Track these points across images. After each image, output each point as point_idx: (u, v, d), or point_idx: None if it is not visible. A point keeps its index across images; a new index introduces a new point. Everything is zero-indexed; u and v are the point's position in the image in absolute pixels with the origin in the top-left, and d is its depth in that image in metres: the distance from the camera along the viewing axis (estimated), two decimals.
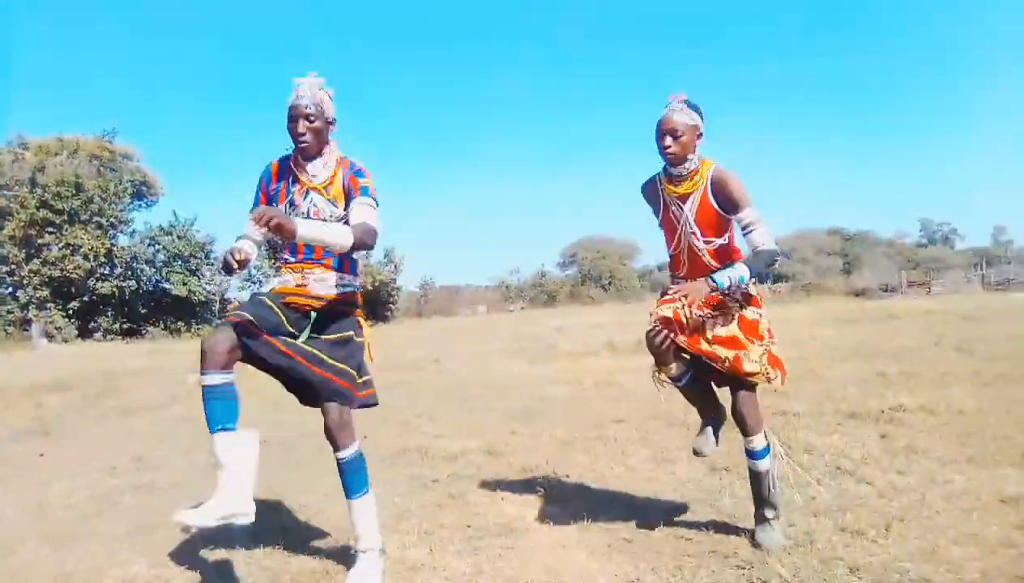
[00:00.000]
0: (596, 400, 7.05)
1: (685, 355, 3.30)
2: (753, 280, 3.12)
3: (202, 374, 2.72)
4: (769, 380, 3.18)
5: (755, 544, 3.17)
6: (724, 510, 3.62)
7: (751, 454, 3.27)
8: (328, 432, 2.97)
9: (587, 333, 15.48)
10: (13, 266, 24.04)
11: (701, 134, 3.13)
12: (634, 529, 3.47)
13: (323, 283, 3.00)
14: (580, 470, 4.59)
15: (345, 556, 3.22)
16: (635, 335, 13.23)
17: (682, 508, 3.74)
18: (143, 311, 26.63)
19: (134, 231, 27.88)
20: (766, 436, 3.29)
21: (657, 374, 3.43)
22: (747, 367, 3.12)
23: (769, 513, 3.23)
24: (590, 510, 3.67)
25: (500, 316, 33.00)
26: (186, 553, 3.42)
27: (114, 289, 25.31)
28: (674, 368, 3.31)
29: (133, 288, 26.18)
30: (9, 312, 23.66)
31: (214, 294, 26.88)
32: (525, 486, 4.29)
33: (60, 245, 24.33)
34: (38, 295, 23.93)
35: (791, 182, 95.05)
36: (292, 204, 3.03)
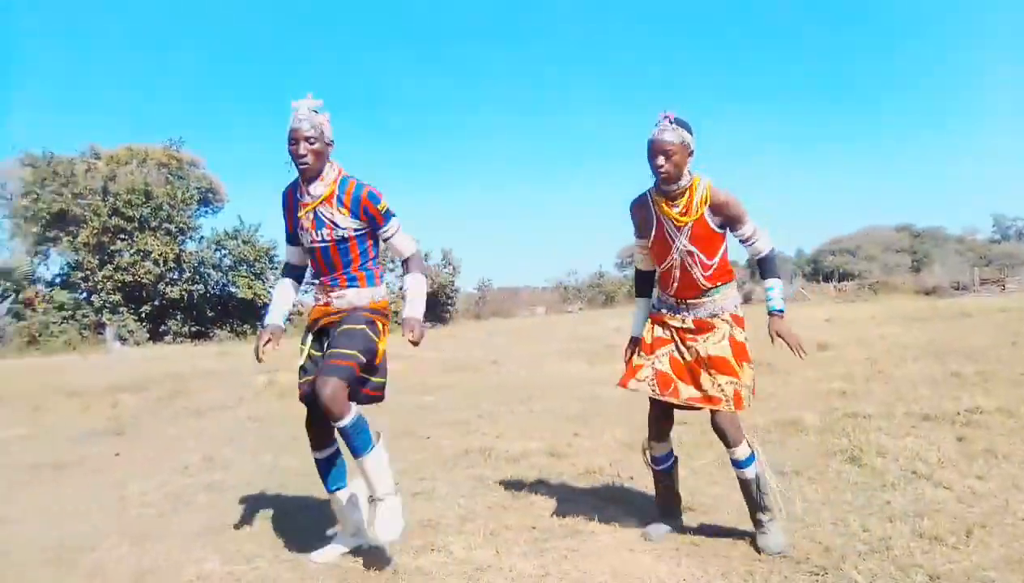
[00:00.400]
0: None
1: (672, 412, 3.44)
2: (738, 304, 3.33)
3: (314, 453, 3.39)
4: (749, 405, 3.24)
5: (757, 550, 3.16)
6: (794, 514, 3.53)
7: (736, 464, 3.25)
8: (324, 407, 3.03)
9: None
10: (87, 272, 24.93)
11: (692, 151, 3.13)
12: (701, 533, 3.41)
13: (343, 299, 3.27)
14: (643, 473, 4.50)
15: (419, 555, 3.26)
16: None
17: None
18: (210, 314, 27.34)
19: (201, 237, 28.66)
20: (749, 444, 3.25)
21: (648, 450, 3.54)
22: (744, 396, 3.19)
23: (764, 516, 3.20)
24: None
25: (558, 317, 32.91)
26: (258, 550, 3.49)
27: (183, 293, 26.05)
28: (661, 447, 3.47)
29: (201, 292, 26.91)
30: (84, 316, 24.54)
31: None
32: (589, 488, 4.27)
33: (131, 251, 25.14)
34: (111, 300, 24.77)
35: (858, 178, 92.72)
36: (302, 228, 3.27)
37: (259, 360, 3.27)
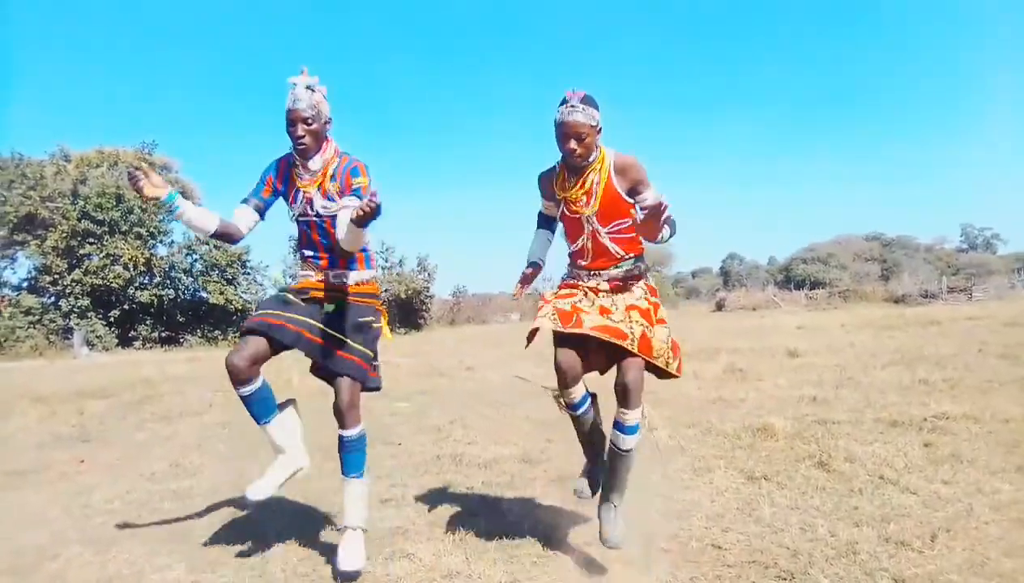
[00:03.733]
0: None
1: (588, 349, 3.10)
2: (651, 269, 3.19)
3: (235, 388, 3.14)
4: (667, 364, 3.13)
5: (603, 540, 3.06)
6: (763, 519, 3.55)
7: (623, 428, 3.04)
8: (337, 409, 3.15)
9: None
10: (56, 276, 24.57)
11: (600, 129, 3.01)
12: (672, 538, 3.42)
13: (340, 277, 3.23)
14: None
15: (383, 562, 3.23)
16: None
17: (720, 517, 3.67)
18: (181, 320, 27.04)
19: (172, 241, 28.36)
20: (644, 413, 3.13)
21: (559, 397, 3.30)
22: (655, 345, 3.05)
23: (616, 499, 3.12)
24: (627, 519, 3.62)
25: (532, 323, 32.86)
26: (223, 558, 3.44)
27: (153, 298, 25.76)
28: (576, 392, 3.16)
29: (171, 297, 26.62)
30: (52, 321, 24.16)
31: (250, 303, 27.13)
32: (560, 494, 4.26)
33: (101, 255, 24.83)
34: (79, 304, 24.42)
35: (828, 187, 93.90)
36: (295, 201, 3.22)
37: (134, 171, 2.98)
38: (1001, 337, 11.27)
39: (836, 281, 45.92)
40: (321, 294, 3.23)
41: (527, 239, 3.43)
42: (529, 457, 5.14)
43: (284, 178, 3.24)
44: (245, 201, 3.26)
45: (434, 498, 4.29)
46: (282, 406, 3.29)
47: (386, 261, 32.65)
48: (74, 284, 24.47)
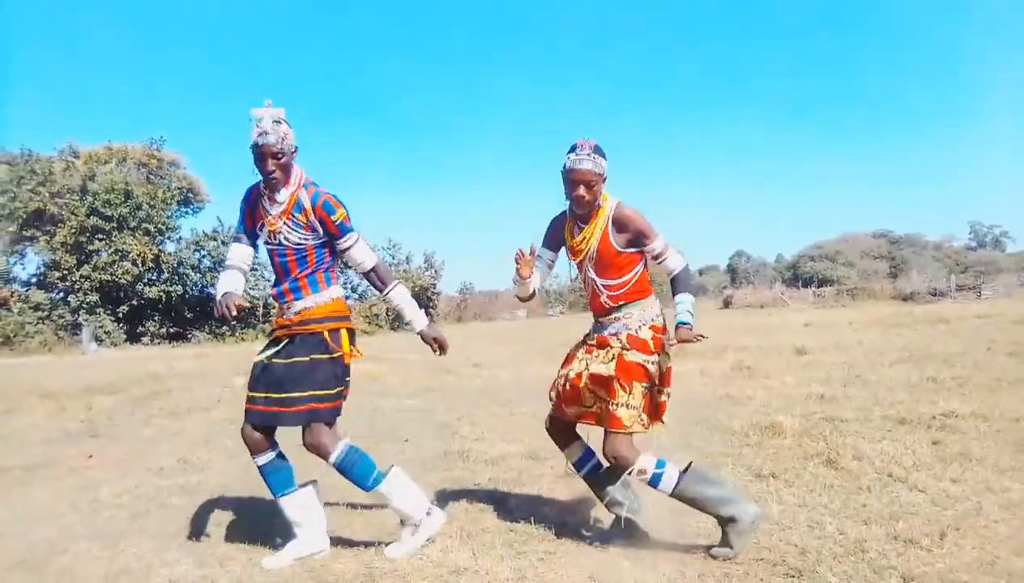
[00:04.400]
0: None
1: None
2: (649, 323, 3.23)
3: (253, 458, 3.29)
4: (644, 427, 3.16)
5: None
6: (771, 517, 3.54)
7: (652, 484, 3.19)
8: (310, 449, 3.24)
9: None
10: (64, 272, 24.67)
11: (606, 178, 3.16)
12: (680, 535, 3.41)
13: (291, 309, 3.26)
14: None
15: (390, 559, 3.23)
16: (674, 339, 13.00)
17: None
18: (189, 315, 27.13)
19: (180, 237, 28.45)
20: (635, 473, 3.15)
21: (567, 461, 3.51)
22: (622, 416, 3.10)
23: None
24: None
25: (539, 320, 32.96)
26: (231, 553, 3.45)
27: (161, 294, 25.84)
28: (573, 453, 3.44)
29: (179, 293, 26.70)
30: (60, 317, 24.27)
31: (258, 299, 27.18)
32: (567, 491, 4.25)
33: (109, 251, 24.91)
34: (88, 300, 24.53)
35: (838, 185, 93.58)
36: (261, 231, 3.29)
37: (231, 317, 3.19)
38: (1010, 335, 11.22)
39: (844, 279, 45.76)
40: (281, 331, 3.28)
41: (532, 237, 3.49)
42: (536, 454, 5.13)
43: (254, 208, 3.29)
44: (237, 239, 3.42)
45: (441, 494, 4.29)
46: (303, 485, 3.38)
47: (393, 258, 32.71)
48: (83, 280, 24.58)
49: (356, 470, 3.26)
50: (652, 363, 3.18)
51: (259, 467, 3.29)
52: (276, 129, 3.09)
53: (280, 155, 3.10)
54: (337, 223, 3.21)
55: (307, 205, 3.18)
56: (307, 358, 3.19)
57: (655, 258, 3.28)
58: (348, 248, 3.29)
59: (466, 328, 28.58)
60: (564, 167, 3.13)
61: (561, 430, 3.44)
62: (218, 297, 3.21)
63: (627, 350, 3.18)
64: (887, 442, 4.84)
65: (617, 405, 3.11)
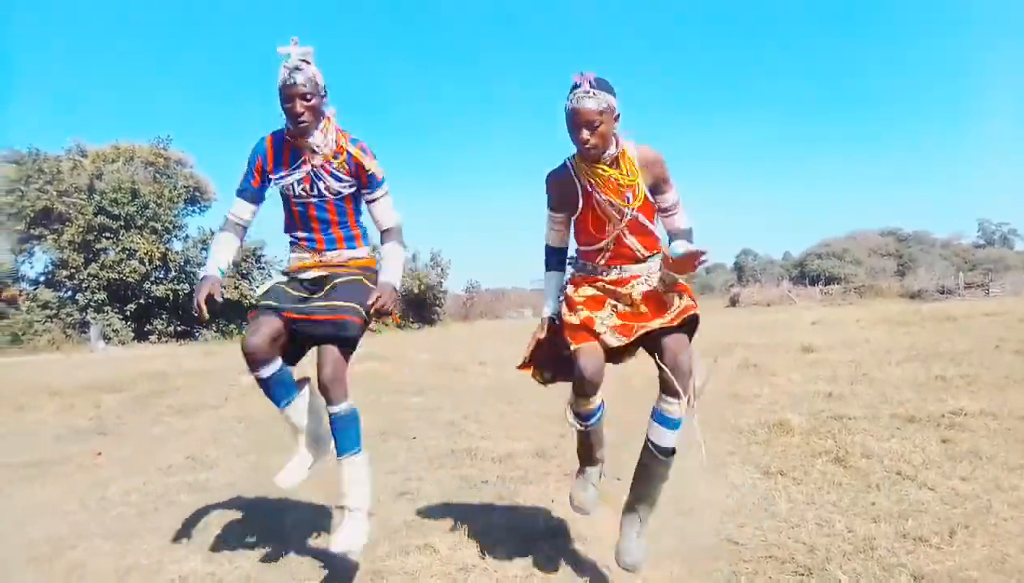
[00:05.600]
0: (645, 402, 6.92)
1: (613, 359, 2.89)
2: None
3: (254, 372, 2.95)
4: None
5: (619, 562, 2.82)
6: (779, 515, 3.54)
7: (666, 419, 2.80)
8: (321, 385, 2.93)
9: None
10: (72, 270, 24.77)
11: (619, 115, 2.68)
12: (688, 534, 3.41)
13: (338, 255, 3.11)
14: (631, 473, 4.50)
15: (399, 555, 3.23)
16: None
17: (736, 512, 3.66)
18: (196, 314, 27.17)
19: (187, 235, 28.50)
20: (691, 402, 2.79)
21: (575, 410, 2.95)
22: (691, 304, 2.77)
23: (644, 512, 2.86)
24: (651, 538, 3.61)
25: None
26: (240, 550, 3.47)
27: (168, 292, 25.92)
28: (595, 401, 2.89)
29: (186, 291, 26.74)
30: (68, 315, 24.37)
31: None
32: None
33: (117, 250, 25.01)
34: (96, 298, 24.62)
35: (846, 182, 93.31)
36: (298, 194, 3.04)
37: (201, 315, 3.00)
38: (1018, 333, 11.16)
39: (851, 277, 45.63)
40: (317, 271, 3.08)
41: (539, 235, 3.12)
42: (543, 452, 5.13)
43: (277, 159, 3.04)
44: (241, 193, 3.14)
45: (449, 491, 4.30)
46: (299, 384, 3.14)
47: None
48: (90, 278, 24.68)
49: (350, 431, 2.99)
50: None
51: (264, 380, 2.99)
52: (305, 68, 2.88)
53: (309, 97, 2.87)
54: (369, 173, 3.04)
55: (351, 149, 3.01)
56: (357, 277, 3.06)
57: (665, 210, 2.86)
58: (376, 200, 3.10)
59: (472, 326, 28.63)
60: (565, 109, 2.65)
61: (594, 370, 2.76)
62: (198, 281, 2.98)
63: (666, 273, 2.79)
64: (896, 440, 4.83)
65: (682, 296, 2.79)
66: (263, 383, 3.01)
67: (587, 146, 2.65)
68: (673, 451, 2.82)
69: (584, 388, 2.80)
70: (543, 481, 4.46)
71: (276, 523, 3.82)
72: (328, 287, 3.02)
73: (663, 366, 2.73)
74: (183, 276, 26.99)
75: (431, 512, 3.91)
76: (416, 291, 29.98)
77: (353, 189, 3.06)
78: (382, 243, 3.19)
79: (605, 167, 2.73)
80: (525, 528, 3.56)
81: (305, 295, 3.05)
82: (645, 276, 2.86)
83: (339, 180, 3.02)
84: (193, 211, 30.16)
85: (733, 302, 37.45)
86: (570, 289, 2.94)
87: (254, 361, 2.94)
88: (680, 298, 2.80)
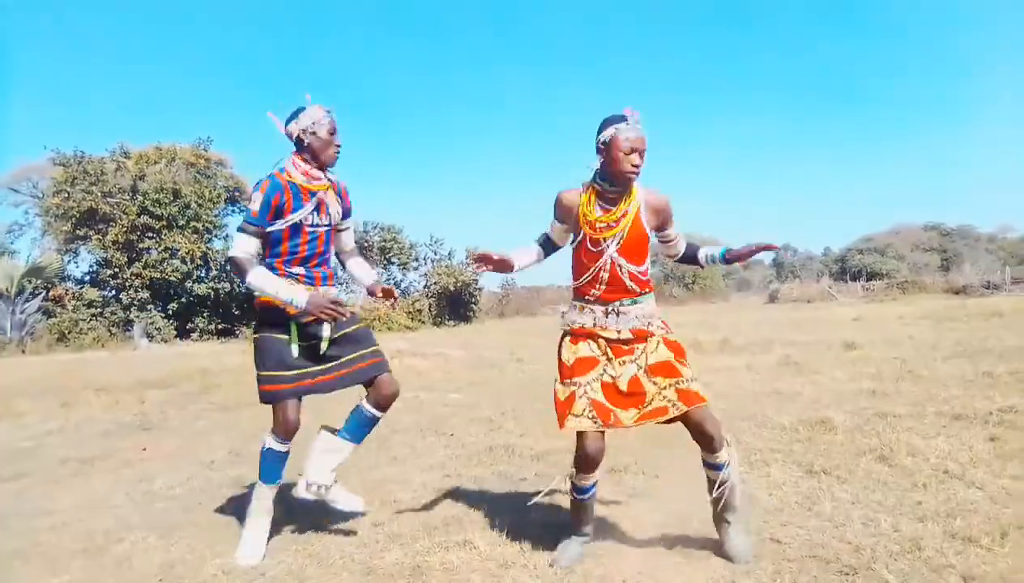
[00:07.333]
0: None
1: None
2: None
3: (284, 444, 3.53)
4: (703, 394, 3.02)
5: (729, 558, 3.03)
6: (823, 514, 3.48)
7: (716, 466, 3.07)
8: (390, 399, 3.45)
9: None
10: (116, 269, 25.23)
11: None
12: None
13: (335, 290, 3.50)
14: (670, 471, 4.48)
15: (440, 551, 3.24)
16: (720, 334, 12.97)
17: (779, 511, 3.61)
18: (236, 312, 27.55)
19: (228, 235, 28.83)
20: (728, 442, 3.11)
21: (573, 481, 3.16)
22: (695, 389, 2.97)
23: (731, 516, 3.11)
24: (683, 511, 3.58)
25: None
26: (281, 544, 3.51)
27: (209, 291, 26.27)
28: (594, 477, 3.13)
29: (227, 290, 27.11)
30: (113, 313, 24.84)
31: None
32: (614, 486, 4.24)
33: (159, 249, 25.39)
34: (139, 297, 25.04)
35: (887, 176, 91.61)
36: (314, 223, 3.37)
37: (345, 309, 3.33)
38: None
39: (894, 272, 44.72)
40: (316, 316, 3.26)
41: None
42: None
43: (294, 192, 3.28)
44: (250, 229, 3.25)
45: (488, 488, 4.30)
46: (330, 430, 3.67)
47: (435, 254, 32.83)
48: (134, 277, 25.10)
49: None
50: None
51: (282, 453, 3.55)
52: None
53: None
54: (347, 209, 3.55)
55: (335, 186, 3.44)
56: (360, 324, 3.51)
57: (667, 241, 3.21)
58: (347, 229, 3.62)
59: (508, 323, 28.63)
60: (618, 135, 2.88)
61: (595, 450, 3.02)
62: (304, 299, 3.19)
63: (668, 333, 3.11)
64: (942, 438, 4.72)
65: (688, 380, 2.98)
66: (280, 454, 3.54)
67: (638, 170, 2.92)
68: (728, 479, 3.07)
69: (585, 466, 3.07)
70: None
71: (317, 518, 3.86)
72: (340, 336, 3.41)
73: (698, 435, 3.03)
74: (223, 275, 27.32)
75: (470, 508, 3.92)
76: (452, 288, 30.05)
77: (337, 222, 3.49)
78: (348, 258, 3.76)
79: (605, 208, 3.02)
80: (563, 525, 3.54)
81: (305, 345, 3.39)
82: (641, 318, 3.07)
83: (337, 209, 3.46)
84: (233, 211, 30.50)
85: (772, 298, 36.90)
86: (567, 343, 3.20)
87: (290, 433, 3.48)
88: (686, 382, 2.99)
